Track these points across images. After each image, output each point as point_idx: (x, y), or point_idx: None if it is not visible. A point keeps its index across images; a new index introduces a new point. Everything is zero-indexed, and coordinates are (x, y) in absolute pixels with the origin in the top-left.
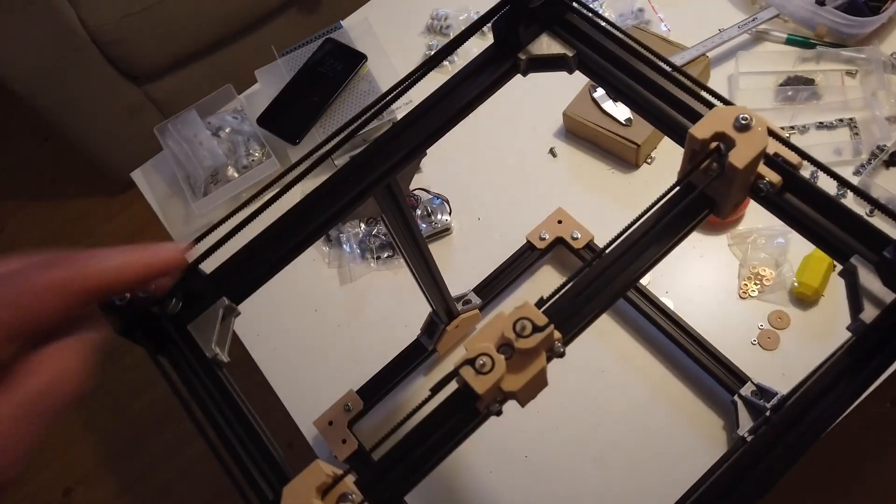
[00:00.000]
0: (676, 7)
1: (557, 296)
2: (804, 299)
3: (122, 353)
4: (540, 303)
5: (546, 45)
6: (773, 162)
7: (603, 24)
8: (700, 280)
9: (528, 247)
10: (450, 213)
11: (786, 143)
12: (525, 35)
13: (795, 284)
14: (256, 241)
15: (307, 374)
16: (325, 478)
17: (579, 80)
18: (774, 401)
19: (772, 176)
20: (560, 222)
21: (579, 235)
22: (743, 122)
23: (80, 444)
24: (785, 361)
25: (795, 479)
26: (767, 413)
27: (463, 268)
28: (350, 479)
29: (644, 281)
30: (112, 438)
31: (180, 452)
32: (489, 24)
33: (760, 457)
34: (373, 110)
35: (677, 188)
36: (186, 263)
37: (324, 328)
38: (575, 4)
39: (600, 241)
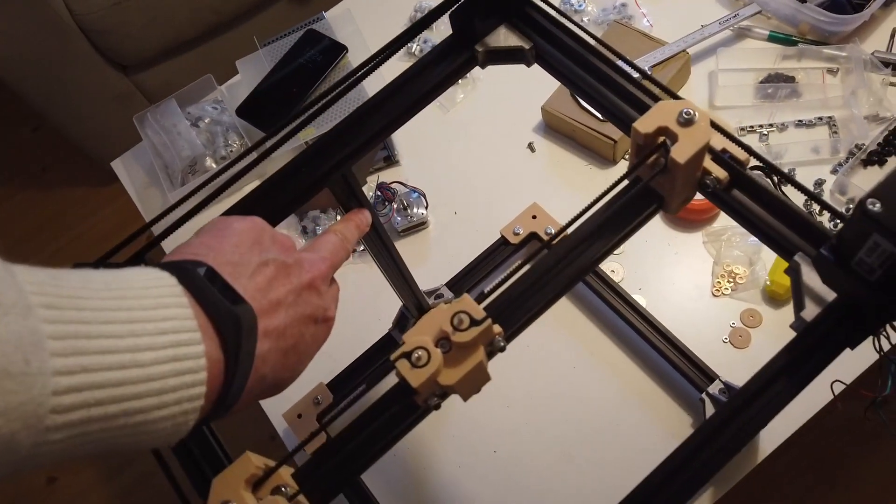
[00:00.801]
0: (659, 3)
1: (499, 290)
2: (776, 298)
3: None
4: (480, 296)
5: (503, 37)
6: (721, 158)
7: (560, 17)
8: (674, 277)
9: (502, 241)
10: (426, 207)
11: (733, 139)
12: (482, 27)
13: (768, 283)
14: None
15: None
16: (256, 469)
17: None
18: None
19: (718, 172)
20: (535, 217)
21: (553, 230)
22: (686, 116)
23: None
24: (755, 360)
25: (770, 482)
26: None
27: (439, 261)
28: (286, 471)
29: (617, 277)
30: None
31: None
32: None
33: (705, 443)
34: (338, 90)
35: (624, 182)
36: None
37: None
38: None
39: None
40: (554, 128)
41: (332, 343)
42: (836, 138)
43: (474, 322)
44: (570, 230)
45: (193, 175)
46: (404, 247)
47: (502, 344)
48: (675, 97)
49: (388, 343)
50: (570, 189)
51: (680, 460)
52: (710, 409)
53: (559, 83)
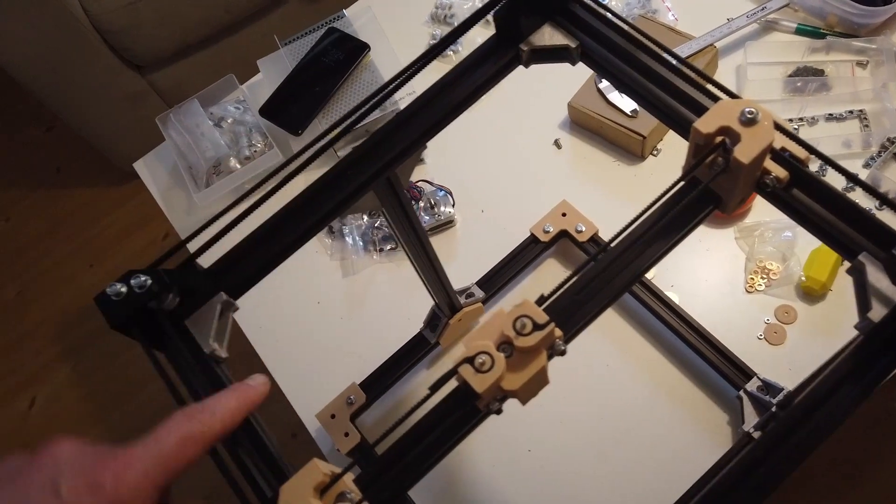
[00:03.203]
0: None
1: (558, 293)
2: (811, 294)
3: (125, 346)
4: (541, 300)
5: (548, 35)
6: (780, 157)
7: (608, 14)
8: (706, 274)
9: (532, 240)
10: (453, 206)
11: (793, 137)
12: (527, 25)
13: (803, 279)
14: (254, 235)
15: (309, 365)
16: (323, 477)
17: (585, 70)
18: (780, 396)
19: (778, 171)
20: (564, 215)
21: (584, 228)
22: (749, 115)
23: (86, 434)
24: (791, 356)
25: (796, 477)
26: (773, 409)
27: (466, 260)
28: (349, 478)
29: (649, 275)
30: (116, 429)
31: None
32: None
33: (766, 455)
34: (373, 100)
35: (681, 183)
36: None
37: (326, 320)
38: None
39: (605, 234)
40: (580, 124)
41: (363, 344)
42: (867, 132)
43: (537, 326)
44: (626, 233)
45: (218, 176)
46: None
47: (563, 348)
48: (732, 95)
49: (419, 342)
50: (597, 186)
51: (738, 474)
52: (747, 407)
53: (585, 79)
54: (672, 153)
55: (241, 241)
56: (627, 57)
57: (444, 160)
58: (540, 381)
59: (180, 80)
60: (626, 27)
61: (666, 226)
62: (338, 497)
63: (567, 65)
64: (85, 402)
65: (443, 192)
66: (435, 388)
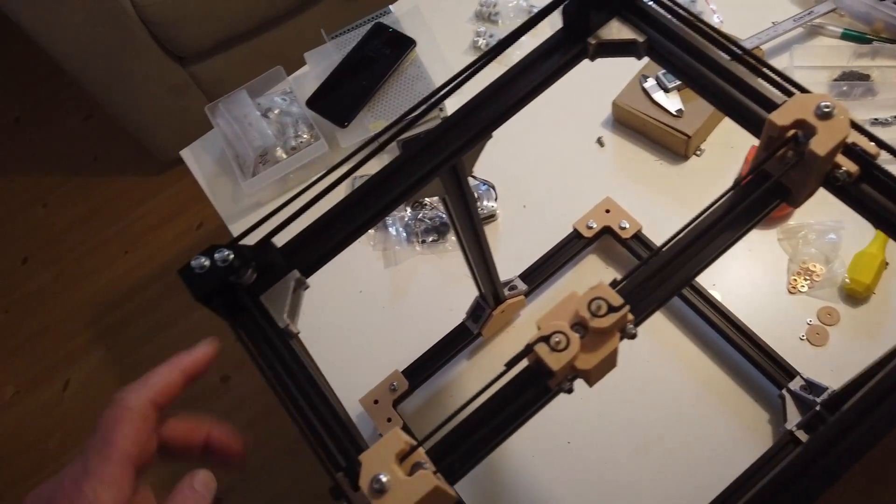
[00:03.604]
0: None
1: (630, 277)
2: (855, 296)
3: (158, 330)
4: (613, 284)
5: (616, 30)
6: (851, 151)
7: (677, 9)
8: (748, 274)
9: (575, 235)
10: (495, 200)
11: (864, 132)
12: (595, 20)
13: (846, 281)
14: (327, 216)
15: (351, 352)
16: (404, 445)
17: (628, 69)
18: (825, 396)
19: (849, 165)
20: (608, 211)
21: (627, 225)
22: (825, 109)
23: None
24: (834, 358)
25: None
26: (818, 408)
27: (507, 254)
28: (422, 450)
29: None
30: None
31: (230, 417)
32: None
33: (818, 456)
34: (429, 103)
35: (750, 176)
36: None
37: (368, 309)
38: None
39: (648, 232)
40: (624, 123)
41: (406, 332)
42: None
43: (612, 308)
44: (696, 223)
45: (264, 165)
46: None
47: (634, 331)
48: (803, 90)
49: (461, 333)
50: (639, 184)
51: (789, 474)
52: (790, 406)
53: (629, 78)
54: (715, 153)
55: (314, 222)
56: (694, 52)
57: (487, 154)
58: (610, 362)
59: (220, 72)
60: (696, 21)
61: (736, 217)
62: (413, 466)
63: (612, 64)
64: (118, 385)
65: (486, 186)
66: (511, 364)
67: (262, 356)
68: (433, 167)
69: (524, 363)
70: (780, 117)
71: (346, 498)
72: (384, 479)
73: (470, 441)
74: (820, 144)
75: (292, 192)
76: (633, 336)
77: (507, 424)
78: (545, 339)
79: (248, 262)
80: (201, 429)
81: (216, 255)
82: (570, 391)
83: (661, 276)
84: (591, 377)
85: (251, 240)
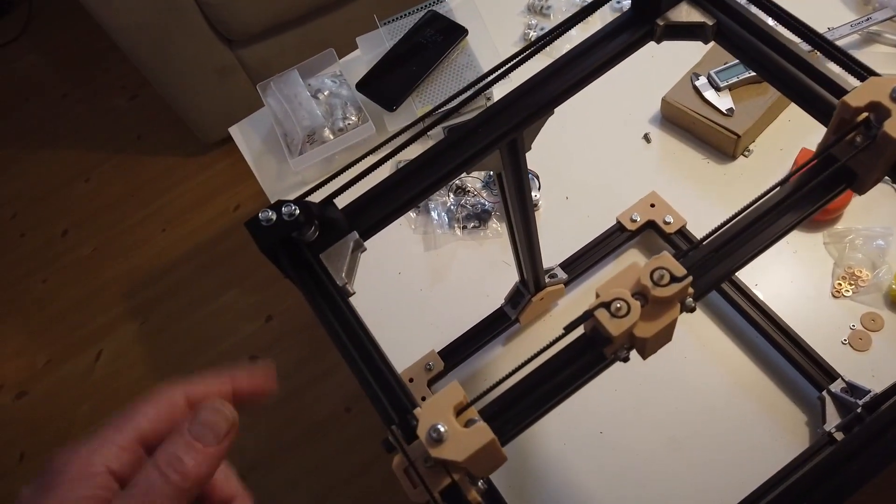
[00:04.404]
0: (785, 3)
1: (692, 252)
2: None
3: (192, 308)
4: (676, 255)
5: (686, 12)
6: None
7: None
8: (792, 276)
9: (618, 227)
10: (539, 190)
11: None
12: (666, 1)
13: (893, 287)
14: (387, 181)
15: (388, 331)
16: (462, 398)
17: (678, 66)
18: (867, 398)
19: None
20: (653, 206)
21: (672, 220)
22: None
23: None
24: (876, 363)
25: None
26: (858, 410)
27: (547, 244)
28: (474, 409)
29: None
30: None
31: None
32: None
33: (854, 455)
34: (477, 87)
35: (815, 160)
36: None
37: (406, 291)
38: None
39: (692, 230)
40: (672, 120)
41: (443, 315)
42: None
43: (674, 279)
44: (759, 203)
45: (312, 145)
46: None
47: (693, 305)
48: (874, 74)
49: (499, 318)
50: (685, 182)
51: (822, 471)
52: (829, 408)
53: (679, 76)
54: (764, 154)
55: (375, 186)
56: (764, 36)
57: (533, 144)
58: (667, 334)
59: (267, 57)
60: (770, 5)
61: (800, 199)
62: (468, 422)
63: (664, 59)
64: (148, 360)
65: (530, 175)
66: (570, 328)
67: (322, 310)
68: (495, 138)
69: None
70: (854, 99)
71: (402, 449)
72: (442, 428)
73: (521, 404)
74: (894, 127)
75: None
76: (692, 309)
77: (559, 390)
78: (606, 305)
79: (311, 219)
80: (223, 388)
81: (283, 209)
82: (626, 359)
83: (721, 254)
84: (647, 348)
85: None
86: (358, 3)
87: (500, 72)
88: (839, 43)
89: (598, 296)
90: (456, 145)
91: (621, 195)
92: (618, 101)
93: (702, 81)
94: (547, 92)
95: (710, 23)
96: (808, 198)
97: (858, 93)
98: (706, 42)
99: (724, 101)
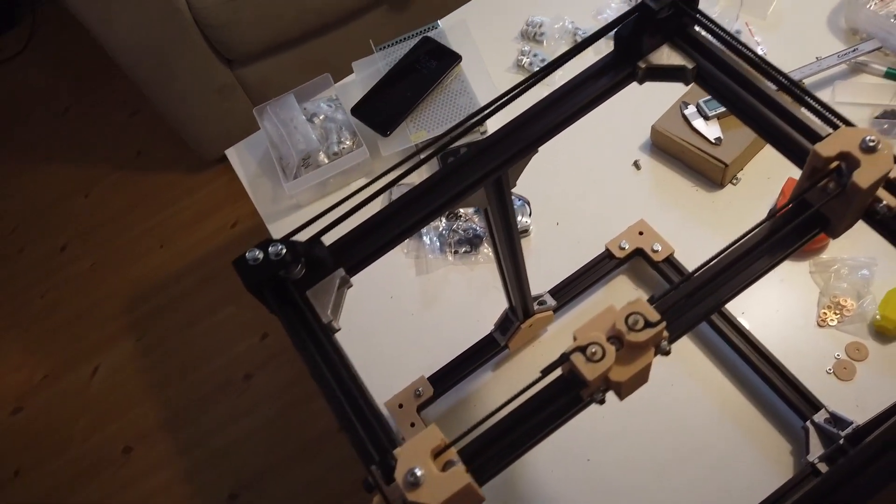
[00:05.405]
0: (774, 32)
1: (667, 296)
2: (885, 333)
3: (187, 325)
4: (650, 300)
5: (666, 55)
6: (893, 185)
7: (727, 37)
8: (778, 304)
9: (607, 255)
10: (530, 215)
11: None
12: (647, 44)
13: (877, 317)
14: (375, 218)
15: (379, 355)
16: (440, 441)
17: (668, 95)
18: (849, 430)
19: (890, 199)
20: (641, 233)
21: (660, 248)
22: (870, 143)
23: (143, 405)
24: (860, 393)
25: None
26: (841, 441)
27: (537, 270)
28: (454, 450)
29: None
30: (174, 401)
31: (235, 424)
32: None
33: (837, 487)
34: (474, 120)
35: (790, 205)
36: None
37: (398, 315)
38: (700, 17)
39: (681, 257)
40: (661, 148)
41: (433, 340)
42: None
43: (649, 324)
44: (734, 247)
45: (306, 169)
46: None
47: (668, 348)
48: (848, 124)
49: (488, 344)
50: (674, 209)
51: (821, 493)
52: (813, 438)
53: (669, 104)
54: (751, 183)
55: (361, 224)
56: (742, 80)
57: (524, 170)
58: (643, 376)
59: (266, 76)
60: (745, 51)
61: (774, 243)
62: (446, 464)
63: (652, 89)
64: (144, 375)
65: (521, 202)
66: (547, 371)
67: (306, 348)
68: (480, 177)
69: (558, 372)
70: (825, 148)
71: (381, 490)
72: (419, 472)
73: (500, 444)
74: (863, 177)
75: (332, 195)
76: (667, 353)
77: (537, 431)
78: (581, 349)
79: (298, 258)
80: None
81: (270, 249)
82: (601, 402)
83: (696, 298)
84: (623, 390)
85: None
86: (355, 24)
87: (493, 106)
88: (828, 72)
89: (574, 339)
90: (441, 184)
91: (611, 220)
92: (608, 128)
93: (691, 110)
94: (531, 132)
95: (690, 66)
96: (782, 242)
97: (829, 143)
98: (687, 84)
99: (712, 130)
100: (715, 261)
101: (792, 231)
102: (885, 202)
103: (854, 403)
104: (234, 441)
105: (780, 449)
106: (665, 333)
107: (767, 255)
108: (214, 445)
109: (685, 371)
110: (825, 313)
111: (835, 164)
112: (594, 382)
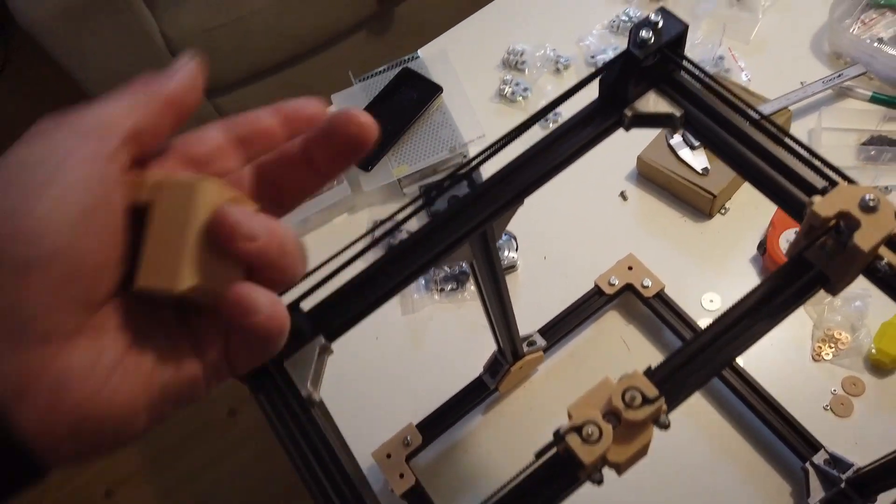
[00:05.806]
0: (758, 57)
1: (664, 365)
2: (881, 367)
3: None
4: (647, 372)
5: (653, 103)
6: (893, 243)
7: (714, 85)
8: (772, 339)
9: (596, 291)
10: (516, 250)
11: None
12: (633, 92)
13: (873, 351)
14: (355, 280)
15: (365, 400)
16: None
17: None
18: (850, 472)
19: (891, 257)
20: (630, 269)
21: (650, 284)
22: (870, 203)
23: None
24: (858, 430)
25: None
26: (842, 485)
27: (526, 306)
28: None
29: None
30: (155, 443)
31: (220, 463)
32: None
33: None
34: (464, 170)
35: (787, 262)
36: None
37: (384, 356)
38: (686, 64)
39: (670, 290)
40: (648, 178)
41: (421, 383)
42: None
43: (646, 400)
44: (731, 310)
45: None
46: None
47: (667, 422)
48: (844, 176)
49: (478, 387)
50: (662, 240)
51: None
52: (813, 480)
53: (655, 134)
54: (740, 213)
55: (341, 287)
56: (733, 130)
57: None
58: (642, 453)
59: (245, 105)
60: (733, 99)
61: (775, 306)
62: None
63: None
64: None
65: (507, 237)
66: (541, 454)
67: (282, 424)
68: (464, 233)
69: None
70: (823, 208)
71: None
72: None
73: None
74: (864, 239)
75: (313, 232)
76: (666, 426)
77: None
78: (577, 429)
79: None
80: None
81: None
82: (600, 482)
83: (695, 364)
84: (622, 468)
85: None
86: (335, 49)
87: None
88: (813, 98)
89: (570, 416)
90: (424, 241)
91: (600, 252)
92: (594, 158)
93: (677, 140)
94: (516, 184)
95: (677, 113)
96: (782, 305)
97: (827, 201)
98: (675, 130)
99: (699, 161)
100: (712, 326)
101: (791, 295)
102: (886, 260)
103: (853, 441)
104: (220, 480)
105: (780, 490)
106: (664, 408)
107: (768, 318)
108: (200, 487)
109: (682, 411)
110: (820, 347)
111: (834, 222)
112: (591, 464)
